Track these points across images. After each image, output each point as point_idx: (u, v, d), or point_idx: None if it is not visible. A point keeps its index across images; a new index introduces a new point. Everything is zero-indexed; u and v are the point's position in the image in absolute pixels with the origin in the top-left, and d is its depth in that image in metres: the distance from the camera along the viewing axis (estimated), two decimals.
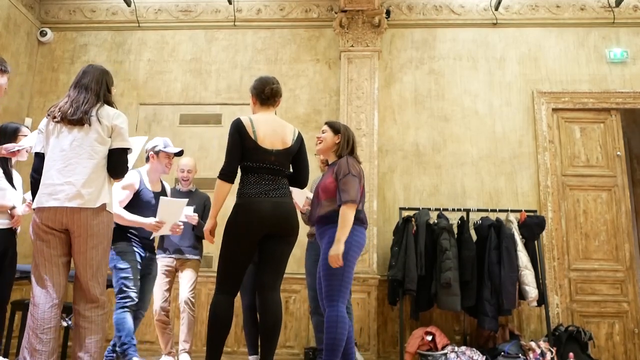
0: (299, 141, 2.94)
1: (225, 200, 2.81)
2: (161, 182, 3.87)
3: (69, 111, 2.58)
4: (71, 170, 2.52)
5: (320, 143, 3.25)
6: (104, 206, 2.59)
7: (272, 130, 2.83)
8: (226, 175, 2.77)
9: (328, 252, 2.90)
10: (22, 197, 3.35)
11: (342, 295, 2.90)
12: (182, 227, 3.67)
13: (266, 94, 2.92)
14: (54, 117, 2.60)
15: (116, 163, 2.65)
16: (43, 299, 2.47)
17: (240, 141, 2.76)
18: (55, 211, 2.48)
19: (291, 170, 2.97)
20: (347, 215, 2.90)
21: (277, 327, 2.72)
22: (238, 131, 2.77)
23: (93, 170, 2.56)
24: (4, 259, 3.17)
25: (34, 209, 2.57)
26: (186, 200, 3.60)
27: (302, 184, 3.01)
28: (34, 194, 2.61)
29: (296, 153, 2.92)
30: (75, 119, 2.57)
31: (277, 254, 2.79)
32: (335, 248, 2.84)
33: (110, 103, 2.73)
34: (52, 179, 2.51)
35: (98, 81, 2.70)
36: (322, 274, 2.96)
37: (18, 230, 3.34)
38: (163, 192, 3.78)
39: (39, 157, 2.63)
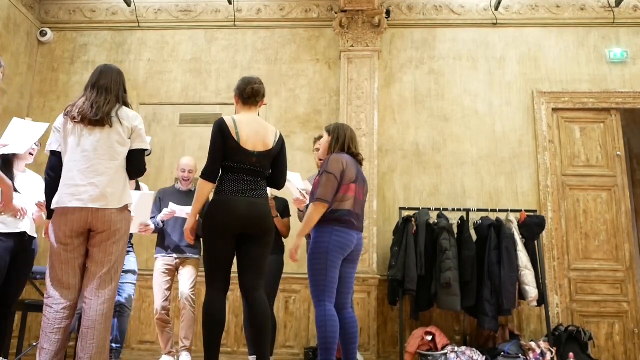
0: (280, 143, 2.95)
1: (206, 199, 2.89)
2: (137, 182, 3.87)
3: (90, 112, 2.58)
4: (94, 171, 2.54)
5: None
6: (126, 206, 2.63)
7: (254, 131, 2.84)
8: (208, 175, 2.81)
9: (315, 251, 2.97)
10: (32, 199, 3.28)
11: (328, 294, 2.92)
12: (151, 227, 3.70)
13: (247, 93, 2.93)
14: (73, 118, 2.59)
15: (136, 164, 2.70)
16: (57, 301, 2.49)
17: (223, 141, 2.79)
18: (80, 211, 2.49)
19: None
20: (310, 213, 2.96)
21: (267, 325, 2.73)
22: (221, 132, 2.80)
23: (115, 171, 2.59)
24: (13, 265, 3.14)
25: (53, 209, 2.55)
26: (153, 193, 3.61)
27: (278, 186, 3.04)
28: (48, 193, 2.61)
29: (277, 155, 2.93)
30: (97, 120, 2.58)
31: (255, 255, 2.80)
32: (294, 244, 3.01)
33: (127, 104, 2.75)
34: (74, 180, 2.52)
35: (116, 82, 2.72)
36: (308, 273, 3.01)
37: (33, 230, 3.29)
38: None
39: (56, 156, 2.63)
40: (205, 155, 5.27)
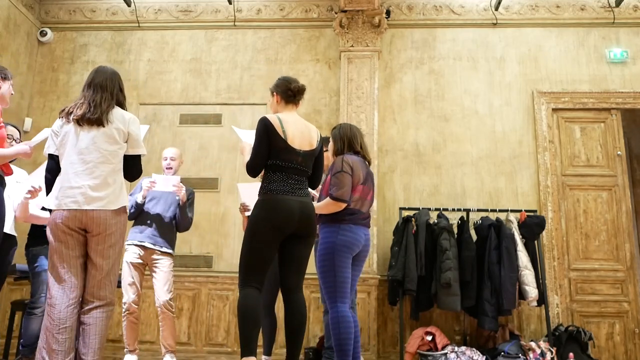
0: (321, 143, 2.97)
1: None
2: None
3: (87, 111, 2.59)
4: (89, 173, 2.55)
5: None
6: (123, 208, 2.64)
7: (299, 131, 2.84)
8: (251, 170, 2.80)
9: (322, 252, 2.98)
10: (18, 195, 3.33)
11: (340, 294, 2.92)
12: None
13: (293, 90, 2.94)
14: (76, 119, 2.59)
15: (131, 169, 2.72)
16: (60, 300, 2.49)
17: (268, 140, 2.76)
18: (75, 212, 2.51)
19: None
20: (328, 205, 2.98)
21: (304, 327, 2.79)
22: (267, 130, 2.77)
23: (110, 173, 2.59)
24: None
25: (51, 210, 2.58)
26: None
27: (315, 185, 3.03)
28: (48, 192, 2.64)
29: (317, 155, 2.94)
30: (94, 119, 2.58)
31: (301, 254, 2.81)
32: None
33: (122, 104, 2.74)
34: (70, 182, 2.53)
35: (111, 80, 2.71)
36: (318, 274, 3.02)
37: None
38: None
39: (53, 159, 2.65)
40: (205, 155, 5.35)
